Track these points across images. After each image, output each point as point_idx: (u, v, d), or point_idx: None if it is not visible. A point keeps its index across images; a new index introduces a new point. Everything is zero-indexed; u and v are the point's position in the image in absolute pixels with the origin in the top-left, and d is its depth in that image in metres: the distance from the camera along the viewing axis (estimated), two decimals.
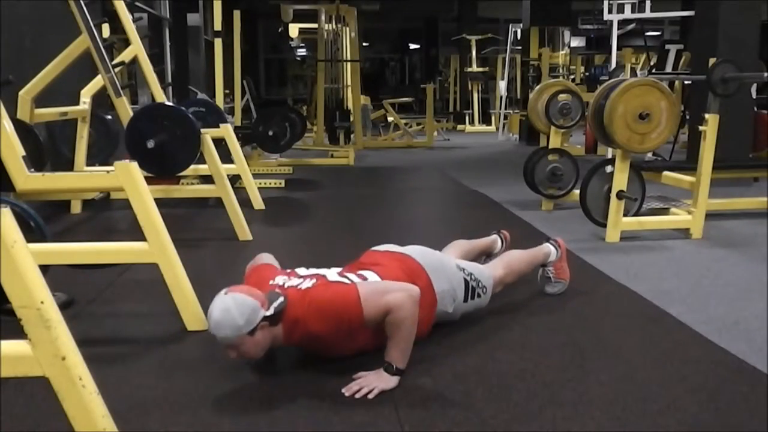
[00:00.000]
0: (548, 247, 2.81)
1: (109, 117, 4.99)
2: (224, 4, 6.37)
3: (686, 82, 6.99)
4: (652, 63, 7.98)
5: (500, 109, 12.14)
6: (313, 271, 2.21)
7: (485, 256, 2.94)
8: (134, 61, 4.91)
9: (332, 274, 2.17)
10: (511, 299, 2.74)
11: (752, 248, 3.71)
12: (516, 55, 12.02)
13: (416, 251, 2.41)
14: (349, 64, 9.46)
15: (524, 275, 2.73)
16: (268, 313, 1.93)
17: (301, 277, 2.14)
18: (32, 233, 2.42)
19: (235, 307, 1.89)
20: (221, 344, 1.94)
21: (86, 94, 4.60)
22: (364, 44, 15.44)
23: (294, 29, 13.33)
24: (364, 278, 2.17)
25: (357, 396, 1.90)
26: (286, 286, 2.09)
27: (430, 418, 1.80)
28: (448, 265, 2.42)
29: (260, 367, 2.14)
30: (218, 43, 6.36)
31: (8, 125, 2.47)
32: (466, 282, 2.41)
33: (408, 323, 1.98)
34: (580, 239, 3.89)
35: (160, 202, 2.57)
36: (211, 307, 1.92)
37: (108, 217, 4.73)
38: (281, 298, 1.98)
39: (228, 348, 1.94)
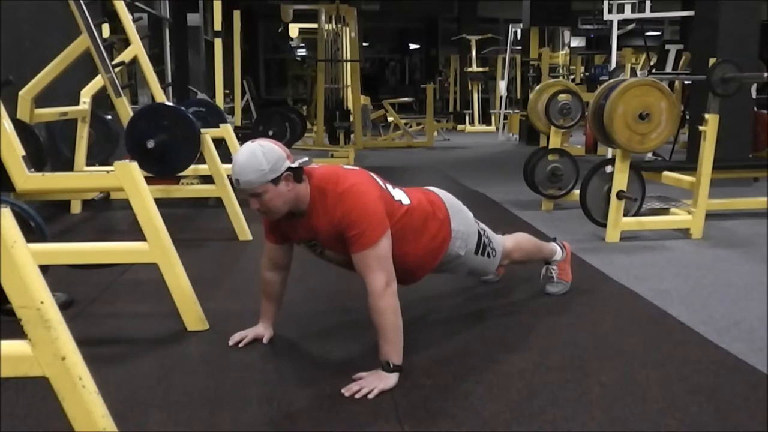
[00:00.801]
0: (555, 246, 2.85)
1: (109, 117, 4.99)
2: (224, 4, 6.37)
3: (686, 82, 6.98)
4: (652, 63, 7.98)
5: (500, 109, 12.14)
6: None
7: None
8: (134, 61, 4.91)
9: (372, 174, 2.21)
10: (512, 299, 2.75)
11: (752, 248, 3.71)
12: (516, 55, 12.02)
13: (440, 190, 2.48)
14: (349, 64, 9.45)
15: (530, 258, 2.76)
16: (293, 165, 1.98)
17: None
18: (32, 233, 2.42)
19: (261, 152, 1.95)
20: (245, 191, 1.96)
21: (86, 94, 4.60)
22: (364, 44, 15.42)
23: (294, 29, 13.31)
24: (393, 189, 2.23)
25: (357, 396, 1.90)
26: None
27: (430, 418, 1.80)
28: (467, 212, 2.49)
29: (260, 367, 2.14)
30: (218, 43, 6.36)
31: (8, 125, 2.47)
32: (480, 235, 2.46)
33: (389, 314, 1.98)
34: (580, 239, 3.89)
35: (160, 202, 2.57)
36: (237, 153, 1.98)
37: (108, 217, 4.73)
38: (307, 158, 2.04)
39: (250, 196, 1.98)
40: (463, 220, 2.42)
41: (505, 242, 2.62)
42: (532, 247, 2.76)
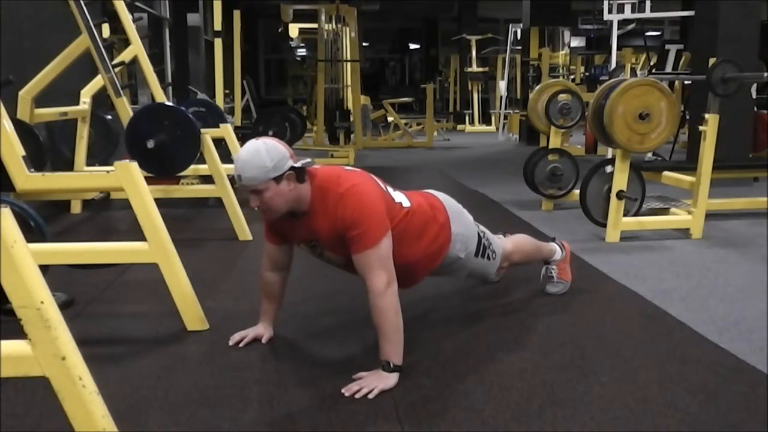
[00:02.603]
0: (554, 246, 2.85)
1: (109, 117, 4.99)
2: (224, 4, 6.37)
3: (686, 82, 6.98)
4: (652, 63, 7.98)
5: (500, 109, 12.14)
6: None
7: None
8: (134, 61, 4.91)
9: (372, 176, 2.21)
10: (512, 299, 2.75)
11: (752, 248, 3.71)
12: (516, 55, 12.02)
13: (439, 193, 2.48)
14: (349, 64, 9.45)
15: (530, 260, 2.76)
16: (296, 165, 1.98)
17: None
18: (32, 233, 2.42)
19: (265, 149, 1.95)
20: (245, 187, 1.97)
21: (86, 94, 4.60)
22: (364, 44, 15.42)
23: (294, 29, 13.31)
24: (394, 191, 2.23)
25: (357, 396, 1.90)
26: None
27: (430, 418, 1.80)
28: (467, 215, 2.49)
29: (260, 367, 2.14)
30: (218, 43, 6.36)
31: (8, 125, 2.47)
32: (480, 238, 2.46)
33: (390, 314, 1.98)
34: (580, 239, 3.89)
35: (160, 202, 2.57)
36: (240, 150, 1.98)
37: (108, 217, 4.73)
38: (310, 159, 2.04)
39: (251, 193, 1.97)
40: (463, 223, 2.43)
41: (505, 244, 2.63)
42: (532, 248, 2.77)
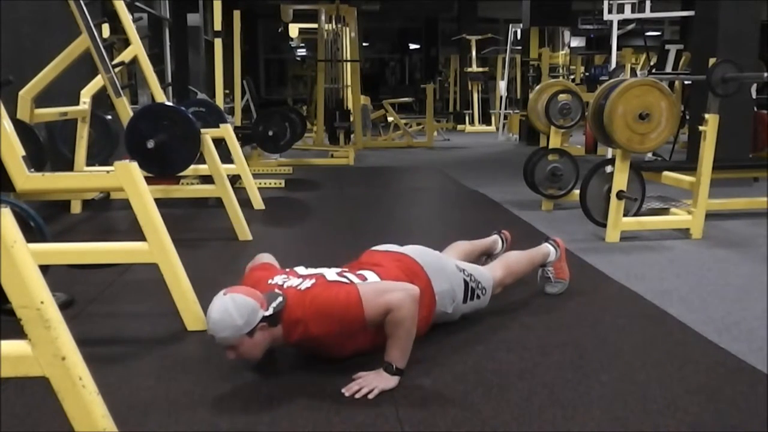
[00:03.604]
0: (547, 247, 2.81)
1: (109, 117, 4.99)
2: (224, 4, 6.37)
3: (686, 82, 6.98)
4: (652, 63, 7.98)
5: (500, 109, 12.14)
6: (312, 270, 2.20)
7: (486, 256, 2.94)
8: (134, 61, 4.91)
9: (331, 273, 2.16)
10: (511, 299, 2.74)
11: (752, 248, 3.71)
12: (516, 55, 12.02)
13: (416, 251, 2.41)
14: (349, 64, 9.46)
15: (524, 276, 2.73)
16: (267, 314, 1.93)
17: (300, 276, 2.13)
18: (32, 233, 2.42)
19: (234, 308, 1.89)
20: (220, 345, 1.93)
21: (86, 94, 4.60)
22: (364, 44, 15.44)
23: (294, 29, 13.31)
24: (364, 278, 2.16)
25: (357, 396, 1.90)
26: (285, 286, 2.08)
27: (430, 418, 1.80)
28: (448, 265, 2.42)
29: (260, 367, 2.14)
30: (218, 43, 6.36)
31: (8, 125, 2.47)
32: (466, 283, 2.41)
33: (408, 323, 1.98)
34: (580, 239, 3.89)
35: (160, 202, 2.57)
36: (210, 307, 1.92)
37: (108, 217, 4.73)
38: (280, 298, 1.97)
39: (227, 349, 1.93)
40: (445, 277, 2.35)
41: (495, 273, 2.56)
42: (524, 266, 2.70)
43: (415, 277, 2.26)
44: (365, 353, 2.10)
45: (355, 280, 2.13)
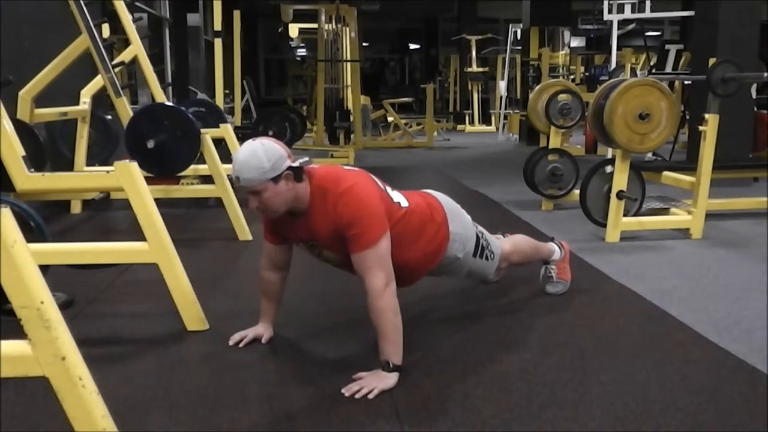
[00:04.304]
0: (553, 246, 2.84)
1: (109, 117, 4.99)
2: (224, 4, 6.38)
3: (686, 82, 6.98)
4: (652, 63, 7.98)
5: (500, 109, 12.14)
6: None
7: None
8: (134, 61, 4.91)
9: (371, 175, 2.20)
10: (512, 299, 2.75)
11: (752, 248, 3.71)
12: (516, 55, 12.02)
13: (437, 193, 2.48)
14: (349, 64, 9.46)
15: (528, 260, 2.76)
16: (294, 165, 1.98)
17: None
18: (32, 233, 2.42)
19: (262, 150, 1.95)
20: (244, 188, 1.97)
21: (86, 94, 4.60)
22: (364, 44, 15.42)
23: (294, 29, 13.31)
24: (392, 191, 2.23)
25: (357, 396, 1.90)
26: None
27: (430, 418, 1.80)
28: (465, 215, 2.49)
29: (260, 367, 2.14)
30: (218, 43, 6.36)
31: (8, 125, 2.47)
32: (478, 238, 2.46)
33: (389, 314, 1.98)
34: (580, 239, 3.89)
35: (160, 202, 2.57)
36: (237, 151, 1.98)
37: (108, 217, 4.73)
38: (307, 158, 2.04)
39: (250, 194, 1.98)
40: (461, 222, 2.42)
41: (503, 245, 2.62)
42: (530, 249, 2.76)
43: (435, 210, 2.32)
44: (365, 351, 2.10)
45: (389, 191, 2.20)
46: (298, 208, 2.06)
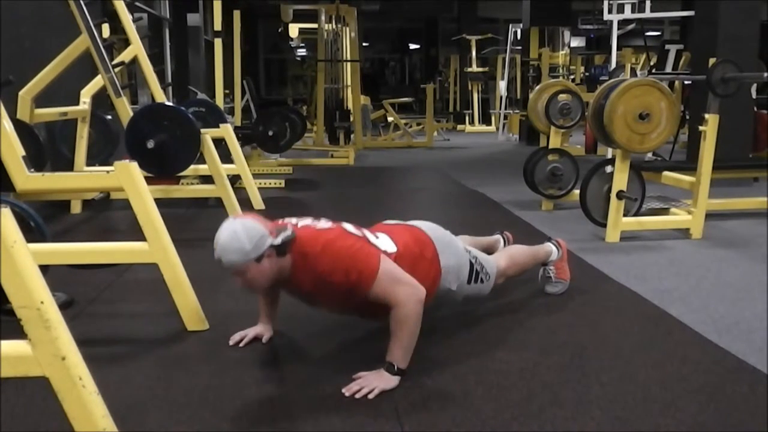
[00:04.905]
0: (550, 246, 2.82)
1: (109, 117, 4.99)
2: (224, 4, 6.37)
3: (686, 82, 6.98)
4: (652, 63, 7.98)
5: (500, 109, 12.14)
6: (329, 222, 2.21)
7: (487, 254, 2.94)
8: (134, 61, 4.91)
9: (349, 226, 2.17)
10: (511, 299, 2.74)
11: (752, 248, 3.71)
12: (516, 55, 12.02)
13: (426, 225, 2.43)
14: (349, 64, 9.46)
15: (526, 269, 2.74)
16: (275, 242, 1.93)
17: (316, 221, 2.16)
18: (32, 233, 2.42)
19: (243, 231, 1.90)
20: (227, 270, 1.94)
21: (86, 94, 4.60)
22: (364, 44, 15.43)
23: (294, 29, 13.32)
24: (377, 238, 2.18)
25: (357, 396, 1.90)
26: (299, 225, 2.10)
27: (430, 418, 1.80)
28: (456, 243, 2.44)
29: (260, 367, 2.14)
30: (218, 43, 6.36)
31: (8, 125, 2.47)
32: (471, 264, 2.42)
33: (411, 322, 1.97)
34: (580, 239, 3.89)
35: (160, 202, 2.57)
36: (219, 231, 1.94)
37: (108, 217, 4.73)
38: (289, 231, 1.98)
39: (234, 274, 1.94)
40: (452, 253, 2.37)
41: (499, 262, 2.58)
42: (527, 258, 2.73)
43: (424, 247, 2.27)
44: (366, 351, 2.10)
45: (371, 237, 2.14)
46: (283, 277, 2.03)
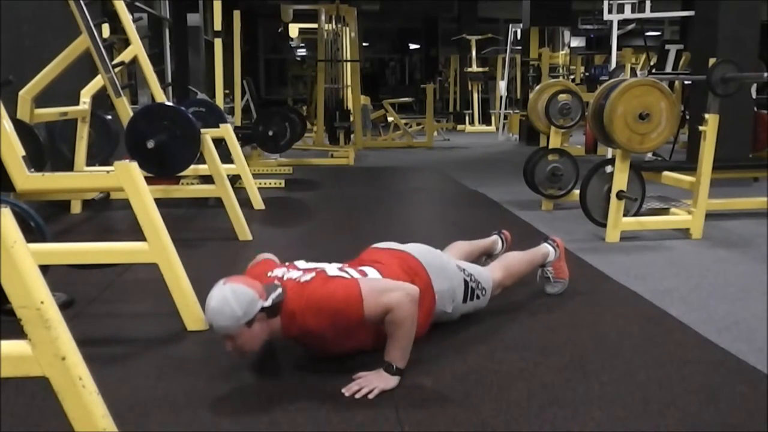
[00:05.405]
0: (546, 247, 2.80)
1: (109, 117, 4.99)
2: (224, 4, 6.37)
3: (686, 82, 6.98)
4: (652, 63, 7.98)
5: (500, 109, 12.14)
6: (312, 264, 2.20)
7: (486, 256, 2.94)
8: (134, 61, 4.91)
9: (332, 268, 2.16)
10: (511, 299, 2.74)
11: (752, 248, 3.71)
12: (516, 55, 12.02)
13: (417, 249, 2.41)
14: (349, 64, 9.46)
15: (523, 277, 2.73)
16: (266, 305, 1.92)
17: (300, 269, 2.13)
18: (32, 233, 2.42)
19: (233, 297, 1.88)
20: (218, 334, 1.92)
21: (86, 94, 4.60)
22: (364, 44, 15.43)
23: (294, 29, 13.31)
24: (365, 274, 2.17)
25: (357, 396, 1.90)
26: (284, 278, 2.08)
27: (430, 418, 1.80)
28: (449, 264, 2.42)
29: (260, 367, 2.14)
30: (218, 43, 6.36)
31: (8, 125, 2.47)
32: (466, 283, 2.41)
33: (408, 323, 1.98)
34: (580, 239, 3.89)
35: (160, 202, 2.57)
36: (209, 296, 1.91)
37: (108, 217, 4.73)
38: (279, 290, 1.97)
39: (225, 339, 1.93)
40: (446, 276, 2.35)
41: (494, 274, 2.56)
42: (524, 266, 2.70)
43: (416, 275, 2.26)
44: (366, 351, 2.10)
45: (356, 275, 2.13)
46: (275, 336, 2.03)
